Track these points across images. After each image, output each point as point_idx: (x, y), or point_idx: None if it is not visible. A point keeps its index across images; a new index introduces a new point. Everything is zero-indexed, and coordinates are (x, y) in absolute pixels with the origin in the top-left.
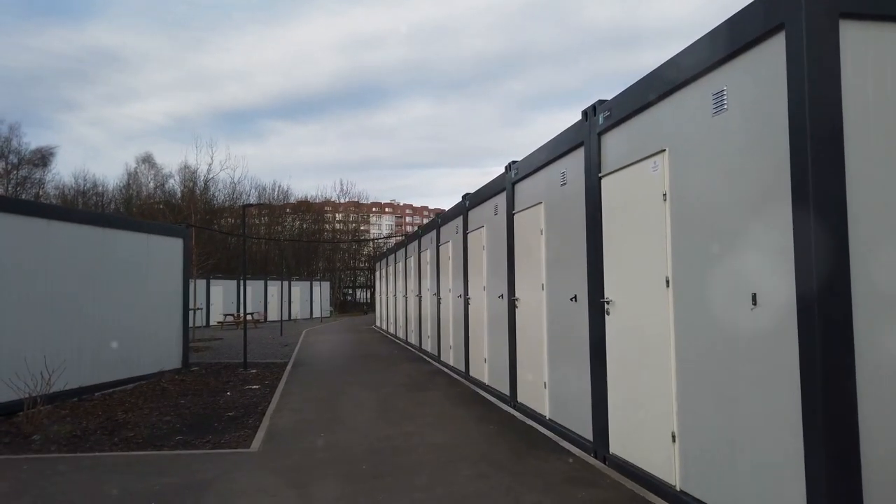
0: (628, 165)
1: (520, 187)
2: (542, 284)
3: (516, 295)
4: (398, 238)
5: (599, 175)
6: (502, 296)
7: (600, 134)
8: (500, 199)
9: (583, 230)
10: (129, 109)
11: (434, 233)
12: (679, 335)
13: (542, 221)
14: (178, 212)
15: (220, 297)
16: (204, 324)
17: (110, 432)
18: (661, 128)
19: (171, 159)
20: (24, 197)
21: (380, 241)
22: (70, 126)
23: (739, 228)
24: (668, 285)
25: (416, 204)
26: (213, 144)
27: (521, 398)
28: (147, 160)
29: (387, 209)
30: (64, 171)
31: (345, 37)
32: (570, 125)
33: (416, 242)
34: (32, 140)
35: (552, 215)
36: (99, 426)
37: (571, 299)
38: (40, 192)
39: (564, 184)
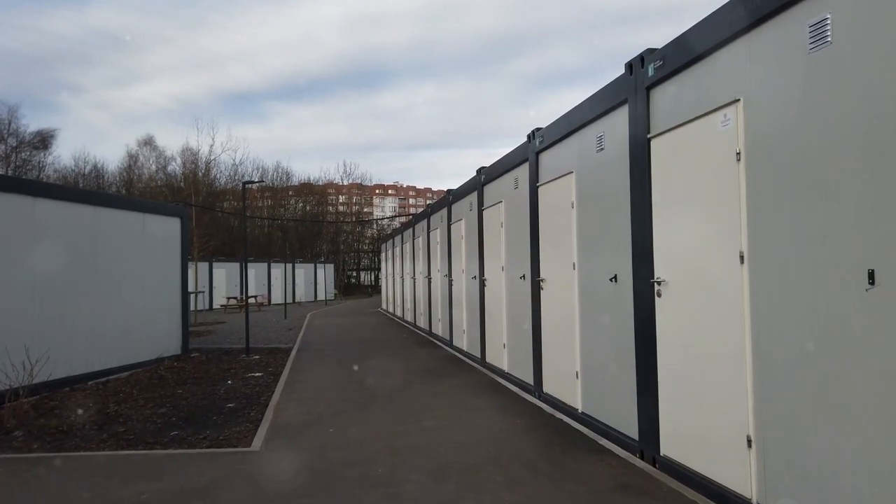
0: (687, 122)
1: (545, 157)
2: (574, 263)
3: (541, 275)
4: (403, 219)
5: (648, 136)
6: (524, 276)
7: (649, 88)
8: (522, 171)
9: (626, 201)
10: (133, 92)
11: (445, 211)
12: (757, 320)
13: (574, 193)
14: (177, 192)
15: (223, 280)
16: (207, 307)
17: (100, 427)
18: (734, 74)
19: (175, 142)
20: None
21: (384, 220)
22: (75, 109)
23: (848, 190)
24: (742, 261)
25: (420, 186)
26: (213, 126)
27: (547, 388)
28: (148, 143)
29: (390, 191)
30: (65, 154)
31: (350, 17)
32: (609, 81)
33: (424, 222)
34: (37, 123)
35: (586, 186)
36: (88, 419)
37: (611, 280)
38: (41, 176)
39: (601, 149)
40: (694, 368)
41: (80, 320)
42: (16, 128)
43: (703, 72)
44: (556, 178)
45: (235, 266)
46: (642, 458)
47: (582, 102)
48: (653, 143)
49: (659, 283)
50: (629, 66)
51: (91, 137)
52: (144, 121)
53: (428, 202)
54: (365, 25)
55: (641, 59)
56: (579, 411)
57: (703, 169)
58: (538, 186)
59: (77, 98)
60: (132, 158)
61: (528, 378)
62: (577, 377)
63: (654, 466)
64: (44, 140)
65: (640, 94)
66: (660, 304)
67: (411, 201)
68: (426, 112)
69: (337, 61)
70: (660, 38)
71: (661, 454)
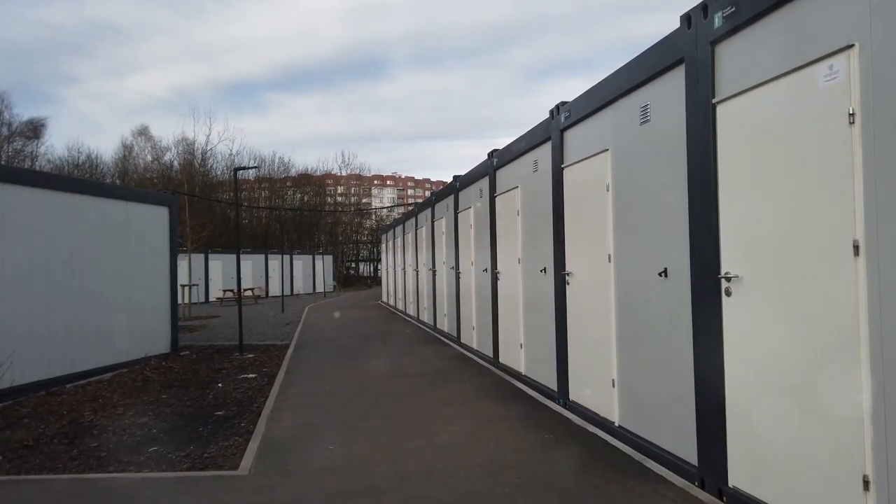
0: (771, 80)
1: (572, 134)
2: (609, 255)
3: (568, 269)
4: (404, 207)
5: (713, 101)
6: (545, 270)
7: (715, 43)
8: (543, 153)
9: (681, 179)
10: (130, 83)
11: (451, 199)
12: (879, 329)
13: (609, 174)
14: (168, 182)
15: (220, 272)
16: (203, 300)
17: (71, 440)
18: (844, 12)
19: (172, 133)
20: None
21: (384, 209)
22: (72, 100)
23: None
24: (857, 253)
25: (418, 177)
26: (210, 116)
27: (575, 396)
28: (143, 133)
29: (388, 182)
30: (59, 145)
31: (350, 6)
32: (658, 40)
33: (428, 211)
34: (34, 113)
35: (625, 164)
36: (59, 431)
37: (660, 274)
38: (34, 166)
39: (647, 121)
40: (779, 385)
41: (56, 318)
42: (8, 117)
43: (797, 13)
44: (586, 158)
45: (232, 258)
46: (703, 488)
47: (620, 69)
48: (720, 109)
49: (728, 280)
50: (686, 18)
51: (88, 128)
52: (142, 112)
53: (427, 192)
54: (364, 14)
55: (704, 8)
56: (616, 425)
57: (795, 137)
58: (563, 168)
59: (74, 89)
60: (127, 149)
61: (551, 383)
62: (613, 386)
63: (722, 501)
64: (35, 129)
65: (703, 50)
66: (729, 305)
67: (410, 192)
68: (425, 102)
69: (336, 51)
70: (661, 27)
71: (730, 485)
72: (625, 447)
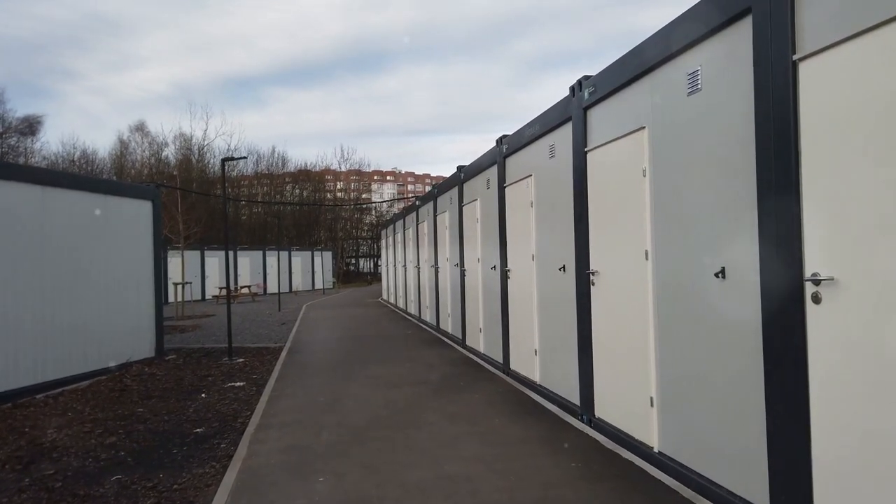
0: (886, 23)
1: (598, 113)
2: (647, 252)
3: (592, 267)
4: (404, 202)
5: (795, 58)
6: (564, 268)
7: None
8: (561, 135)
9: (747, 159)
10: (130, 78)
11: (455, 191)
12: None
13: (646, 156)
14: (164, 176)
15: (216, 269)
16: (200, 298)
17: (25, 465)
18: None
19: (171, 128)
20: None
21: (384, 203)
22: (71, 95)
23: None
24: None
25: (419, 172)
26: (207, 110)
27: (602, 413)
28: (140, 128)
29: (388, 177)
30: (54, 141)
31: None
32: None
33: (429, 205)
34: (33, 109)
35: (666, 144)
36: (13, 454)
37: (717, 275)
38: (28, 162)
39: (696, 90)
40: (883, 408)
41: (25, 322)
42: (2, 113)
43: None
44: (616, 139)
45: (229, 254)
46: None
47: (659, 31)
48: (803, 67)
49: (817, 283)
50: None
51: (88, 124)
52: (142, 107)
53: (428, 188)
54: (365, 7)
55: None
56: (656, 451)
57: None
58: (587, 152)
59: (73, 84)
60: (124, 145)
61: (572, 396)
62: (651, 405)
63: None
64: (31, 126)
65: None
66: (816, 316)
67: (410, 187)
68: (426, 96)
69: (336, 45)
70: (662, 18)
71: None
72: (669, 480)
